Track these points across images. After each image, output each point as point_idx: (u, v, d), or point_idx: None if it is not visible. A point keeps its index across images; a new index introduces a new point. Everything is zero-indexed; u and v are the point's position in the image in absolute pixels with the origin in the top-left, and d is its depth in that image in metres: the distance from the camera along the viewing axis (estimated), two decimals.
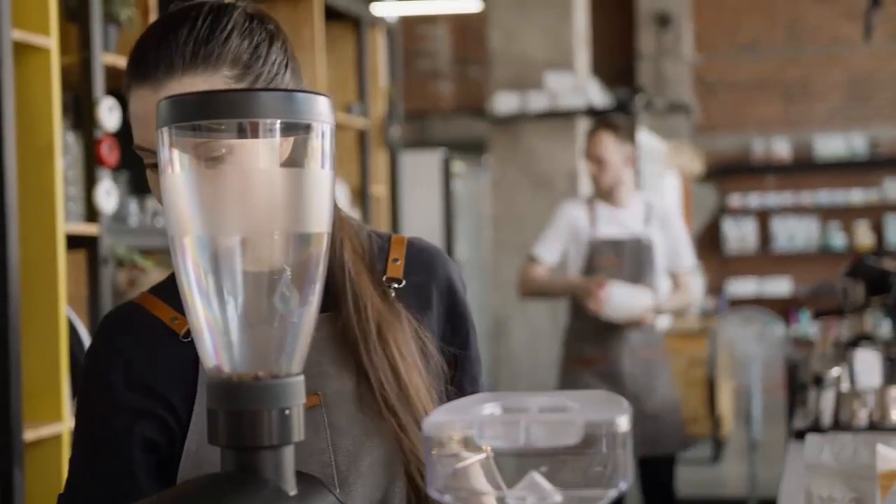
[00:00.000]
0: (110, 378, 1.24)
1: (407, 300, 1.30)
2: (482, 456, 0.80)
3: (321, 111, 0.83)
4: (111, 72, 3.02)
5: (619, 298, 4.09)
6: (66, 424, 2.74)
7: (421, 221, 7.37)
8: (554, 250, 4.31)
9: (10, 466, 2.58)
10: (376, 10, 4.90)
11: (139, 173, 1.28)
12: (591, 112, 6.37)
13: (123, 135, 2.36)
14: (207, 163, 0.92)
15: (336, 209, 1.24)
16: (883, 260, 3.88)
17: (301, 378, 0.83)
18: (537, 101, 6.52)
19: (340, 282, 1.26)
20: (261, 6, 1.25)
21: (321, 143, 0.83)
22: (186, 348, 1.22)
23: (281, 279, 0.83)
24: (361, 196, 4.76)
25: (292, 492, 0.82)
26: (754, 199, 10.95)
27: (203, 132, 0.85)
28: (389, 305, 1.28)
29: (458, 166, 8.50)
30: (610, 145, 4.22)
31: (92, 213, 2.99)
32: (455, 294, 1.35)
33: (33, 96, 2.75)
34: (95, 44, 2.98)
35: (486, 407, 0.81)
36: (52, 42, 2.76)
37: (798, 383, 4.32)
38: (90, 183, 2.98)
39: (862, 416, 2.62)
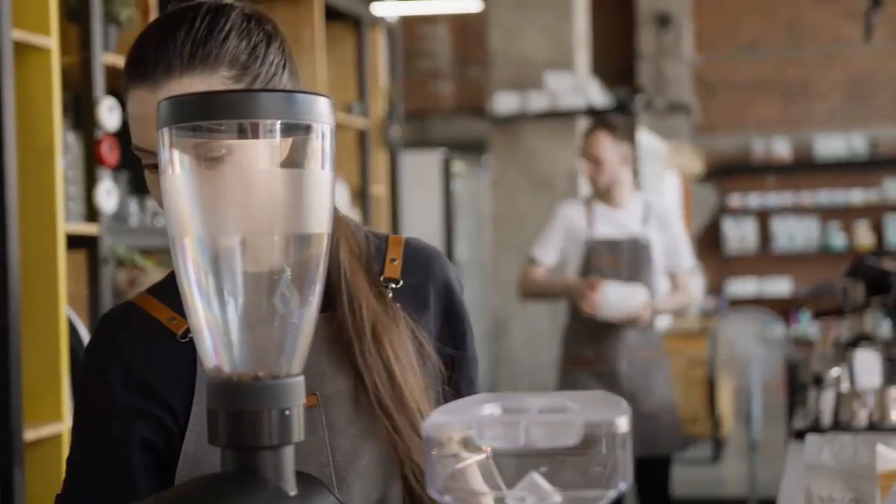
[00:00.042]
0: (109, 376, 1.24)
1: (404, 301, 1.30)
2: (482, 456, 0.80)
3: (321, 112, 0.83)
4: (111, 72, 3.02)
5: (614, 298, 4.09)
6: (66, 424, 2.74)
7: (421, 221, 7.37)
8: (552, 252, 4.32)
9: (10, 466, 2.58)
10: (376, 10, 4.90)
11: (139, 173, 1.28)
12: (592, 112, 6.36)
13: (123, 135, 2.35)
14: (208, 163, 0.92)
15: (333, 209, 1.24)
16: (883, 260, 3.88)
17: (301, 378, 0.83)
18: (537, 101, 6.52)
19: (336, 282, 1.26)
20: (260, 6, 1.25)
21: (321, 143, 0.83)
22: (184, 348, 1.23)
23: (281, 280, 0.83)
24: (361, 196, 4.76)
25: (292, 492, 0.82)
26: (754, 199, 10.95)
27: (203, 133, 0.85)
28: (385, 306, 1.27)
29: (458, 166, 8.50)
30: (606, 145, 4.22)
31: (92, 213, 2.99)
32: (452, 294, 1.35)
33: (33, 96, 2.75)
34: (95, 44, 2.98)
35: (485, 407, 0.81)
36: (52, 42, 2.76)
37: (798, 383, 4.32)
38: (90, 183, 2.98)
39: (862, 417, 2.62)
